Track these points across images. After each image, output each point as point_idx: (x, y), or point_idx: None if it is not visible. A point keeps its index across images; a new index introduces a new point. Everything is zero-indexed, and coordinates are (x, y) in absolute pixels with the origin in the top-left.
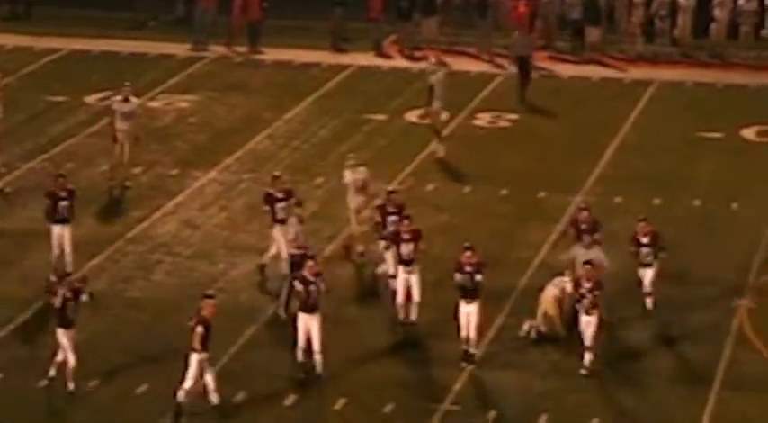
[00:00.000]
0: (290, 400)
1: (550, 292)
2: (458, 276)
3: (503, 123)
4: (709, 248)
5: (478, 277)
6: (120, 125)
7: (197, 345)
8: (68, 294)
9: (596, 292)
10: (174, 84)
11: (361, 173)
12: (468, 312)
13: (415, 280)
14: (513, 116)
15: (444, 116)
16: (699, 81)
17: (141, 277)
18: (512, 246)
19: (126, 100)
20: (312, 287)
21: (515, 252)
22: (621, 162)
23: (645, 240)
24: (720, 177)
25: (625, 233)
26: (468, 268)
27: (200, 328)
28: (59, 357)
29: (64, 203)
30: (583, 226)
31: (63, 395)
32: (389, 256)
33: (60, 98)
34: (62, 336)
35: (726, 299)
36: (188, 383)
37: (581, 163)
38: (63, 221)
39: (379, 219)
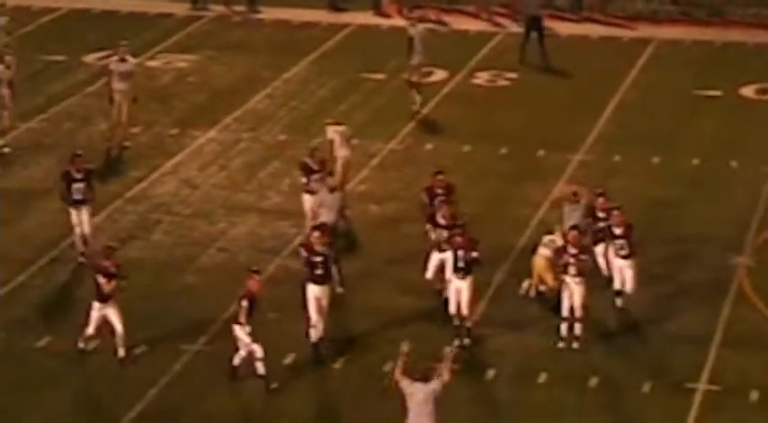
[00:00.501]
0: (289, 358)
1: (542, 254)
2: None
3: (502, 82)
4: (708, 207)
5: (474, 254)
6: (118, 85)
7: (242, 318)
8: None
9: (582, 257)
10: (173, 43)
11: (342, 129)
12: (459, 288)
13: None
14: (513, 75)
15: (423, 72)
16: (698, 39)
17: (140, 237)
18: (511, 204)
19: (123, 60)
20: (318, 258)
21: (514, 210)
22: (621, 121)
23: (618, 231)
24: (719, 135)
25: (624, 193)
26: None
27: (245, 303)
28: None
29: (78, 185)
30: (600, 214)
31: (60, 355)
32: (433, 235)
33: (58, 57)
34: (99, 310)
35: (725, 257)
36: (259, 353)
37: (580, 121)
38: (79, 203)
39: (426, 199)
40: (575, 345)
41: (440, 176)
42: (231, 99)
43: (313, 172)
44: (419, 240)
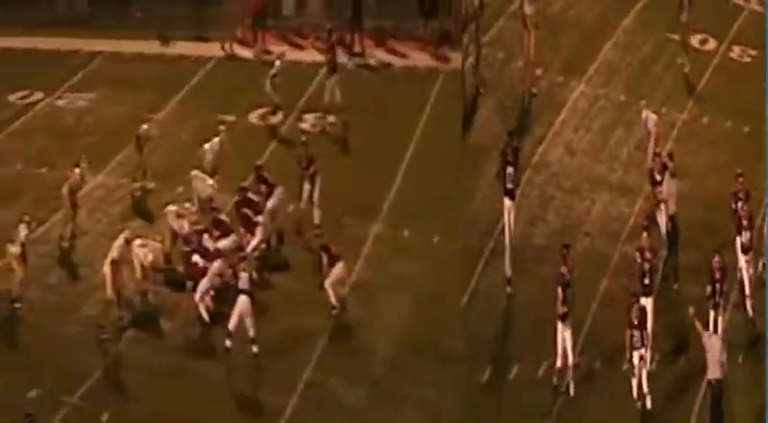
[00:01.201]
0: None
1: None
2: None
3: (746, 59)
4: None
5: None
6: (527, 8)
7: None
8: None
9: None
10: None
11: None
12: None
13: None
14: (753, 52)
15: (691, 31)
16: None
17: (542, 218)
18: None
19: None
20: (647, 264)
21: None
22: None
23: None
24: None
25: None
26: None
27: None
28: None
29: (510, 169)
30: None
31: (536, 385)
32: (738, 242)
33: None
34: (562, 331)
35: None
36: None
37: None
38: (510, 191)
39: (733, 204)
40: None
41: (741, 179)
42: (593, 43)
43: (657, 183)
44: (717, 234)
